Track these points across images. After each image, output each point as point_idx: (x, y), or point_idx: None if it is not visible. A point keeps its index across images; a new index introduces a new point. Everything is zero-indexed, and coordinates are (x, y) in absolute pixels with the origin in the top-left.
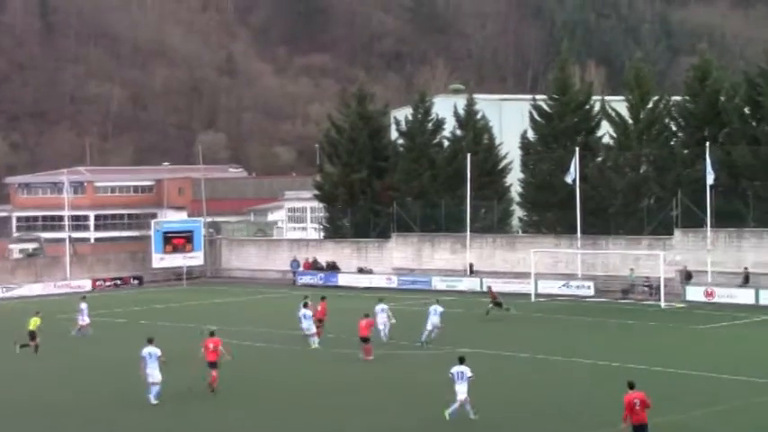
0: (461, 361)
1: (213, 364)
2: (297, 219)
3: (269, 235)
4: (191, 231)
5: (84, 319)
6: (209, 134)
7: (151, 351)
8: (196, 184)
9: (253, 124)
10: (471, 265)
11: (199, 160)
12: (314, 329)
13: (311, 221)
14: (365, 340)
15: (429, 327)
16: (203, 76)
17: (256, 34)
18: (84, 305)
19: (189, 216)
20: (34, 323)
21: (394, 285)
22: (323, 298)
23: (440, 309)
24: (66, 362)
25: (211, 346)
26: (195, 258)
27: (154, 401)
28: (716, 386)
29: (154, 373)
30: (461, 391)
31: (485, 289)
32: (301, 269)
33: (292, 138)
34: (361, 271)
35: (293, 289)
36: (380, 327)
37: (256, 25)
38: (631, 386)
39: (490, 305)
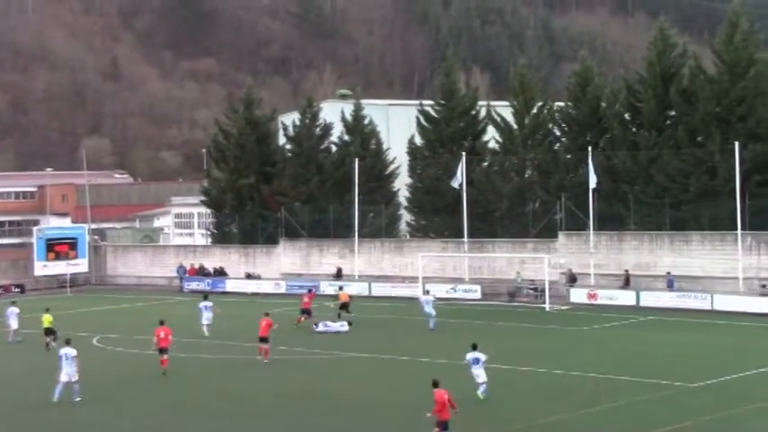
0: (474, 347)
1: (164, 350)
2: (184, 225)
3: (155, 241)
4: (74, 238)
5: (13, 324)
6: (94, 139)
7: (67, 352)
8: (80, 191)
9: (138, 129)
10: (340, 270)
11: (83, 166)
12: (210, 321)
13: (198, 227)
14: (264, 340)
15: (433, 314)
16: (87, 81)
17: (141, 38)
18: (12, 309)
19: (73, 223)
20: (47, 320)
21: (282, 291)
22: (309, 290)
23: (430, 299)
24: None
25: (162, 334)
26: (79, 265)
27: (57, 399)
28: (600, 386)
29: (70, 372)
30: (479, 374)
31: (374, 294)
32: (187, 275)
33: (178, 143)
34: (249, 276)
35: (180, 295)
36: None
37: (141, 29)
38: (436, 384)
39: (338, 308)
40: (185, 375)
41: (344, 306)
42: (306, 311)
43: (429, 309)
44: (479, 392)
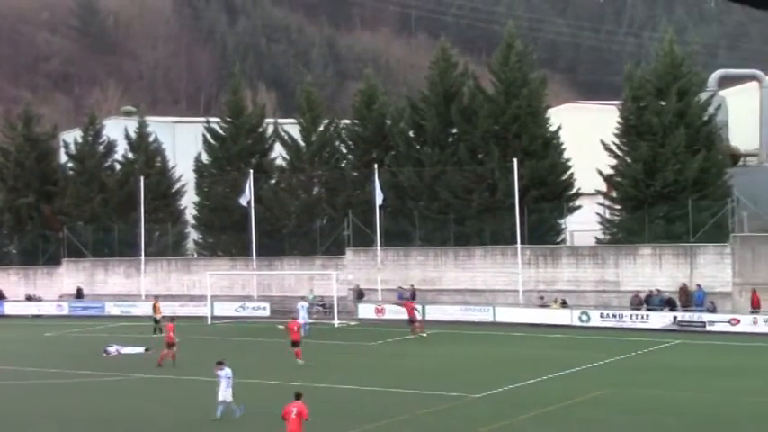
0: (223, 363)
1: (171, 344)
2: None
3: None
4: None
5: None
6: None
7: None
8: None
9: None
10: (80, 290)
11: None
12: None
13: None
14: (295, 344)
15: (301, 322)
16: None
17: None
18: None
19: None
20: None
21: (65, 312)
22: (404, 298)
23: (306, 304)
24: None
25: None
26: None
27: None
28: (387, 400)
29: None
30: (229, 393)
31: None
32: None
33: None
34: (29, 299)
35: None
36: None
37: None
38: (298, 396)
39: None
40: None
41: (157, 320)
42: (411, 320)
43: (304, 314)
44: (227, 412)
